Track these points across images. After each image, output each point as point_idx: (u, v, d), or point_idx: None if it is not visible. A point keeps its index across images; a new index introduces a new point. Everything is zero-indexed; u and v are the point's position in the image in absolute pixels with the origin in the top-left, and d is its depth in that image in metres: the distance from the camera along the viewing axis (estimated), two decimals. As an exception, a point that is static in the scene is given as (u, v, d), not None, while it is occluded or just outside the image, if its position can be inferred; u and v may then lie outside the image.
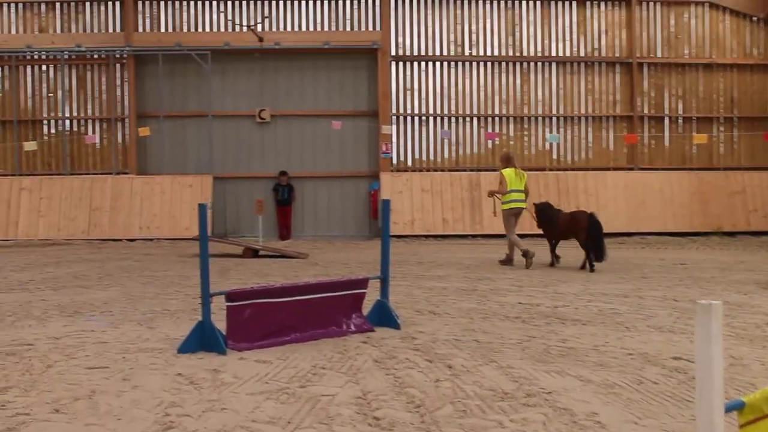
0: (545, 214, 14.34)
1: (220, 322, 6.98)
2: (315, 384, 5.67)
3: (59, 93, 22.14)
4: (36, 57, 22.18)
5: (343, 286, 7.53)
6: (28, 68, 22.33)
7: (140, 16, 22.06)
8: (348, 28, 21.99)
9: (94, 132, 22.11)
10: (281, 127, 22.13)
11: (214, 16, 22.06)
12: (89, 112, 22.29)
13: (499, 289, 10.89)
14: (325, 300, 7.31)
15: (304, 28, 22.00)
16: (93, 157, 22.22)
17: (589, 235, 13.33)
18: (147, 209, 21.03)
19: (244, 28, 21.37)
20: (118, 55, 21.93)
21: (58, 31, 22.10)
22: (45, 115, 22.34)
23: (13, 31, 22.17)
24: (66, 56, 21.95)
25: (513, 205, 14.30)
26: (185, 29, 22.04)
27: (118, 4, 22.06)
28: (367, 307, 7.89)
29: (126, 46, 21.61)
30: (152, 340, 7.28)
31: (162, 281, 11.99)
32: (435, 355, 6.55)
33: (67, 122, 22.21)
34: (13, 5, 22.16)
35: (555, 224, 14.11)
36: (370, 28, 21.93)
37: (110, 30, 22.10)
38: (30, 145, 21.03)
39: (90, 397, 5.40)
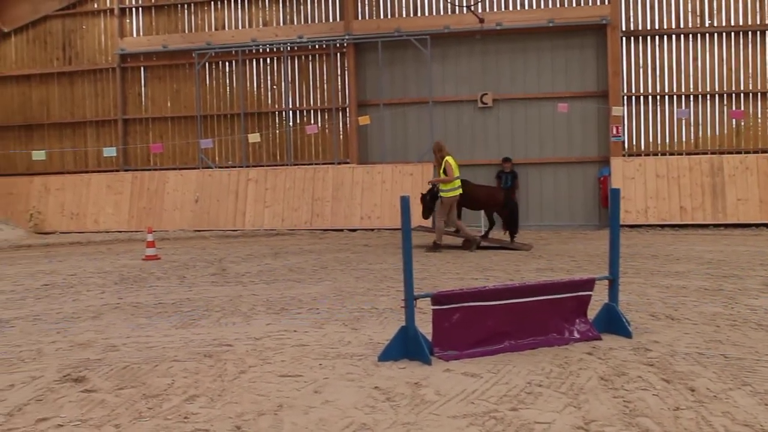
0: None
1: (428, 324, 6.24)
2: (528, 406, 4.76)
3: (282, 85, 22.44)
4: (260, 50, 22.56)
5: (566, 288, 6.52)
6: (254, 62, 22.81)
7: (359, 4, 21.87)
8: (573, 4, 20.61)
9: (315, 122, 22.22)
10: (504, 111, 21.19)
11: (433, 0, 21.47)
12: (311, 102, 22.44)
13: (748, 289, 9.40)
14: (545, 303, 6.34)
15: (526, 6, 20.88)
16: (315, 147, 22.37)
17: (508, 211, 15.52)
18: (368, 199, 20.84)
19: (464, 10, 20.61)
20: (338, 45, 21.91)
21: (281, 23, 22.40)
22: (269, 107, 22.73)
23: (240, 27, 22.71)
24: (288, 48, 22.18)
25: (458, 192, 15.04)
26: (404, 15, 21.63)
27: (338, -7, 22.06)
28: (593, 310, 6.85)
29: (346, 35, 21.52)
30: (354, 344, 6.66)
31: (376, 275, 11.47)
32: (673, 374, 5.42)
33: (290, 113, 22.47)
34: (239, 1, 22.74)
35: (468, 198, 15.45)
36: (598, 3, 20.42)
37: (330, 20, 22.11)
38: (254, 137, 21.40)
39: (275, 413, 4.82)
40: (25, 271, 13.21)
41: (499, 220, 16.24)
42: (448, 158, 14.94)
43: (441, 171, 15.02)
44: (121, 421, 4.74)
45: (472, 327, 6.10)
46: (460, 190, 15.12)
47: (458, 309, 6.11)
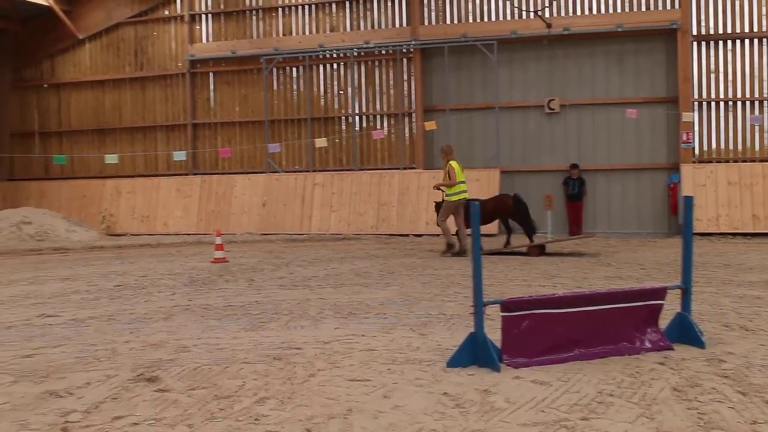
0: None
1: (496, 330, 6.21)
2: (599, 416, 4.70)
3: (349, 90, 22.57)
4: (327, 56, 22.74)
5: (637, 297, 6.42)
6: (320, 67, 23.00)
7: (426, 10, 21.90)
8: (642, 8, 20.30)
9: (381, 127, 22.30)
10: (571, 117, 20.98)
11: (500, 4, 21.37)
12: (377, 107, 22.53)
13: (826, 299, 9.15)
14: (615, 312, 6.25)
15: (594, 11, 20.65)
16: (381, 152, 22.46)
17: (518, 213, 15.80)
18: (433, 204, 20.77)
19: (531, 15, 20.47)
20: (404, 50, 21.96)
21: (348, 29, 22.55)
22: (335, 112, 22.88)
23: (307, 32, 22.92)
24: (355, 53, 22.32)
25: (462, 196, 15.12)
26: (470, 20, 21.58)
27: (404, -1, 22.13)
28: (664, 320, 6.74)
29: (412, 40, 21.57)
30: (422, 350, 6.65)
31: (443, 281, 11.44)
32: (749, 386, 5.28)
33: (356, 118, 22.60)
34: (307, 7, 22.96)
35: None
36: (668, 7, 20.09)
37: (397, 25, 22.19)
38: (320, 142, 21.57)
39: (345, 417, 4.84)
40: (99, 272, 13.52)
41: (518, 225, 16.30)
42: (452, 162, 15.05)
43: (445, 175, 15.16)
44: (194, 422, 4.81)
45: (541, 334, 6.05)
46: (465, 195, 15.20)
47: (528, 316, 6.07)
